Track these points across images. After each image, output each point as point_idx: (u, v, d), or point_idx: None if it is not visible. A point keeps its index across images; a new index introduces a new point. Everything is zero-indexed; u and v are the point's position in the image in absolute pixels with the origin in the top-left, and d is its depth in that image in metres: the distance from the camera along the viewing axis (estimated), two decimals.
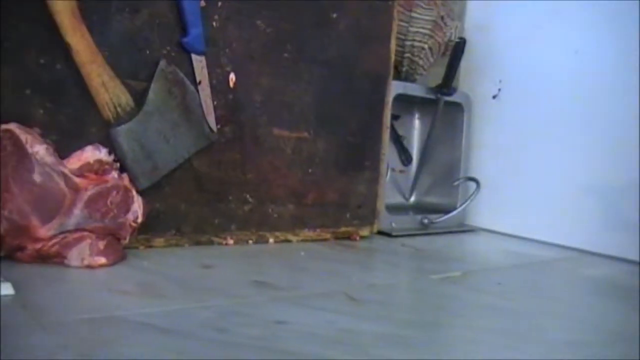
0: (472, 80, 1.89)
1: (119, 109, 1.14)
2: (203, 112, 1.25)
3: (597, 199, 1.58)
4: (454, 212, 1.77)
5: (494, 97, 1.85)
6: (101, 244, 1.07)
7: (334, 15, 1.44)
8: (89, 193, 1.08)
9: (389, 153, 1.63)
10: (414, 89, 1.74)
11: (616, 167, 1.55)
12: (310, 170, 1.45)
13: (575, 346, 0.93)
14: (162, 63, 1.20)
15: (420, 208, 1.89)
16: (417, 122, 1.96)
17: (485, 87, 1.86)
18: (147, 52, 1.20)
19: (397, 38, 1.62)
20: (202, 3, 1.24)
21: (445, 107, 1.78)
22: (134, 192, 1.14)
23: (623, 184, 1.53)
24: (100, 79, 1.12)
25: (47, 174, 1.04)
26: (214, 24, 1.27)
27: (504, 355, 0.85)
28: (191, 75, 1.24)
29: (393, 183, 1.85)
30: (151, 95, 1.18)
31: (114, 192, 1.11)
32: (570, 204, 1.65)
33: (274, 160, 1.39)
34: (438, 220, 1.74)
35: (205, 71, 1.26)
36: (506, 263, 1.51)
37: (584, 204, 1.61)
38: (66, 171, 1.07)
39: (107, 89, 1.13)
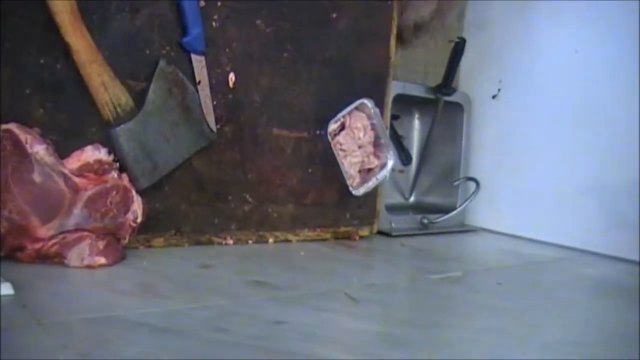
0: (471, 80, 1.89)
1: (118, 109, 1.14)
2: (203, 112, 1.25)
3: (597, 199, 1.59)
4: (454, 212, 1.77)
5: (494, 97, 1.85)
6: (101, 244, 1.07)
7: (334, 15, 1.45)
8: (88, 193, 1.08)
9: None
10: (414, 89, 1.74)
11: (616, 166, 1.55)
12: (310, 170, 1.45)
13: (574, 346, 0.93)
14: (162, 63, 1.20)
15: (420, 208, 1.90)
16: (416, 122, 1.95)
17: (485, 87, 1.86)
18: (147, 52, 1.20)
19: None
20: (202, 3, 1.24)
21: (445, 107, 1.78)
22: (134, 192, 1.14)
23: (623, 184, 1.53)
24: (100, 79, 1.12)
25: (47, 174, 1.05)
26: (214, 24, 1.27)
27: (503, 355, 0.86)
28: (191, 75, 1.24)
29: (393, 183, 1.85)
30: (151, 95, 1.18)
31: (114, 192, 1.11)
32: (570, 204, 1.65)
33: (274, 160, 1.39)
34: (438, 220, 1.74)
35: (205, 71, 1.26)
36: (506, 263, 1.51)
37: (583, 203, 1.61)
38: (66, 171, 1.07)
39: (107, 89, 1.13)
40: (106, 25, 1.15)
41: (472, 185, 1.79)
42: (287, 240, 1.43)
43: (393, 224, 1.66)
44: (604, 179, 1.58)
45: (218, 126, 1.29)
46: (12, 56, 1.07)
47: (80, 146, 1.12)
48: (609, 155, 1.57)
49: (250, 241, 1.37)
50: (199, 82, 1.25)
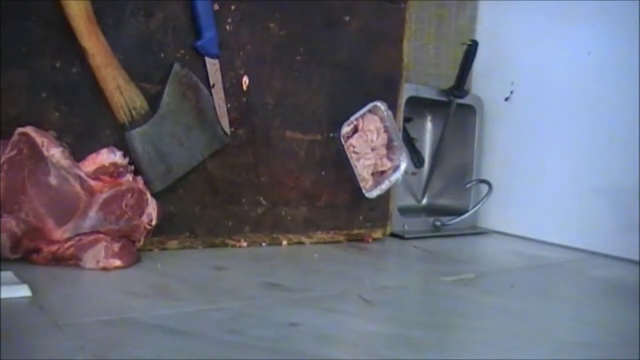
0: (484, 83, 1.89)
1: (133, 112, 1.15)
2: (217, 115, 1.26)
3: (608, 201, 1.58)
4: (466, 215, 1.77)
5: (506, 99, 1.85)
6: (116, 247, 1.08)
7: (346, 18, 1.45)
8: (104, 196, 1.09)
9: None
10: (426, 92, 1.75)
11: (628, 168, 1.55)
12: (323, 173, 1.46)
13: (586, 348, 0.93)
14: (176, 66, 1.21)
15: (432, 210, 1.90)
16: (429, 125, 1.96)
17: (497, 89, 1.86)
18: (162, 55, 1.21)
19: None
20: (216, 6, 1.25)
21: (457, 110, 1.78)
22: (149, 195, 1.15)
23: (633, 186, 1.53)
24: (115, 82, 1.13)
25: (62, 176, 1.05)
26: (228, 27, 1.28)
27: (514, 357, 0.86)
28: (205, 78, 1.25)
29: (405, 185, 1.86)
30: (165, 98, 1.19)
31: (129, 195, 1.12)
32: (581, 206, 1.65)
33: (287, 163, 1.40)
34: (450, 222, 1.74)
35: (219, 74, 1.26)
36: (517, 265, 1.51)
37: (594, 206, 1.61)
38: (81, 174, 1.08)
39: (122, 92, 1.14)
40: (121, 28, 1.16)
41: (485, 187, 1.79)
42: (301, 243, 1.44)
43: (406, 226, 1.66)
44: (616, 181, 1.58)
45: (232, 129, 1.29)
46: (28, 60, 1.08)
47: (95, 149, 1.13)
48: (621, 157, 1.57)
49: (263, 243, 1.38)
50: (213, 85, 1.25)
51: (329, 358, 0.80)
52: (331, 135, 1.45)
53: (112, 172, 1.12)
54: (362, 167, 1.49)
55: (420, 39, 1.85)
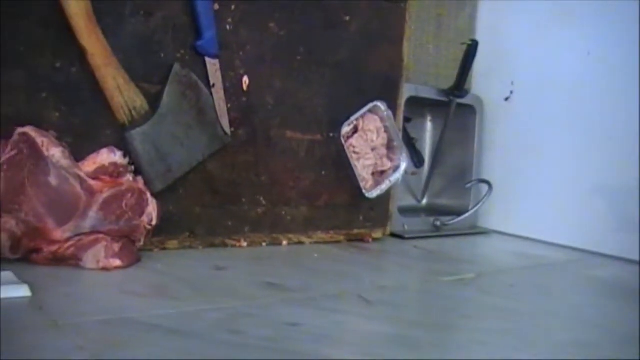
0: (484, 83, 1.89)
1: (133, 112, 1.15)
2: (217, 114, 1.26)
3: (608, 201, 1.58)
4: (466, 215, 1.77)
5: (506, 99, 1.85)
6: (116, 247, 1.08)
7: (346, 18, 1.45)
8: (104, 196, 1.09)
9: None
10: (426, 92, 1.75)
11: (628, 168, 1.55)
12: (323, 173, 1.46)
13: (585, 347, 0.93)
14: (176, 66, 1.21)
15: (432, 210, 1.90)
16: (429, 125, 1.96)
17: (497, 89, 1.86)
18: (162, 55, 1.21)
19: None
20: (216, 6, 1.25)
21: (457, 110, 1.78)
22: (149, 195, 1.15)
23: (633, 186, 1.53)
24: (115, 82, 1.13)
25: (62, 176, 1.05)
26: (228, 27, 1.28)
27: (513, 357, 0.86)
28: (205, 78, 1.25)
29: (405, 185, 1.86)
30: (165, 98, 1.19)
31: (129, 195, 1.12)
32: (580, 206, 1.65)
33: (287, 163, 1.40)
34: (450, 222, 1.74)
35: (219, 74, 1.26)
36: (517, 265, 1.51)
37: (594, 205, 1.61)
38: (81, 174, 1.08)
39: (122, 92, 1.14)
40: (121, 28, 1.16)
41: (484, 187, 1.79)
42: (301, 243, 1.44)
43: (406, 226, 1.66)
44: (616, 181, 1.58)
45: (232, 129, 1.29)
46: (28, 60, 1.08)
47: (95, 149, 1.13)
48: (621, 156, 1.57)
49: (263, 243, 1.38)
50: (213, 85, 1.25)
51: (329, 358, 0.80)
52: (331, 135, 1.45)
53: (112, 172, 1.12)
54: (362, 167, 1.49)
55: (420, 39, 1.85)
